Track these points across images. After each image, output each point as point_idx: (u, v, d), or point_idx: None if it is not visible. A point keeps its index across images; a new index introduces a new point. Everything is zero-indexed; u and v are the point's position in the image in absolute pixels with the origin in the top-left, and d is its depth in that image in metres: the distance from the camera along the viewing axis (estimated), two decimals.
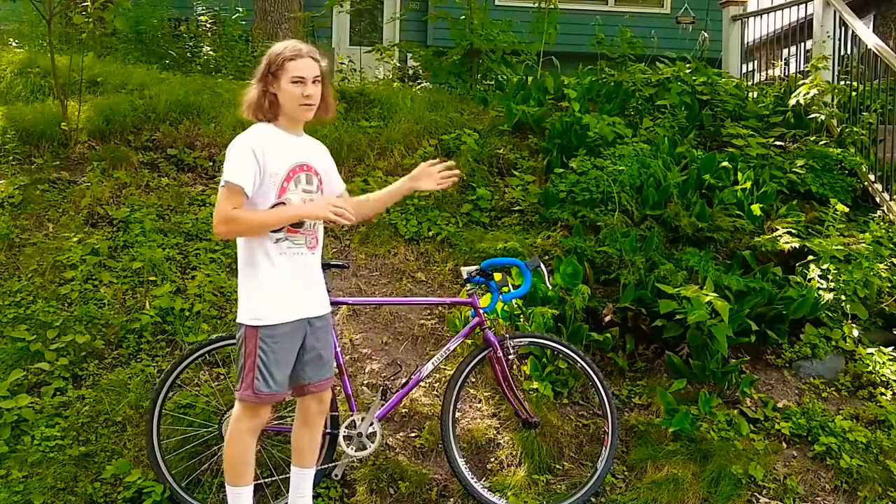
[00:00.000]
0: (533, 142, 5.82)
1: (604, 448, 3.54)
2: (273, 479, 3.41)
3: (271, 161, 2.77)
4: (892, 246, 4.78)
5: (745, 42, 7.95)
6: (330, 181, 3.08)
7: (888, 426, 3.96)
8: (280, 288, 2.81)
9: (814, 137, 5.85)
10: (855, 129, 5.71)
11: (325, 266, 3.27)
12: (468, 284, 3.58)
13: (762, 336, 4.27)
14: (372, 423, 3.42)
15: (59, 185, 4.96)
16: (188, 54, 7.91)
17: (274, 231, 2.80)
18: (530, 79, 6.74)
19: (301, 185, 2.87)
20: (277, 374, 2.82)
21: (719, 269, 4.46)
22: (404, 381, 3.66)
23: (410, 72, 8.44)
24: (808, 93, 5.90)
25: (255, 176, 2.74)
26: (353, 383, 3.88)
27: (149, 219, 4.68)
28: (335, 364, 3.42)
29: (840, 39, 6.35)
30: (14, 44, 7.40)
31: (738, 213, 4.96)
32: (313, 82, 2.82)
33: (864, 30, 6.11)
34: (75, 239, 4.51)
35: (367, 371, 4.01)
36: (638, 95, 6.15)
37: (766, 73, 8.04)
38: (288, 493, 3.24)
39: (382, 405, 3.47)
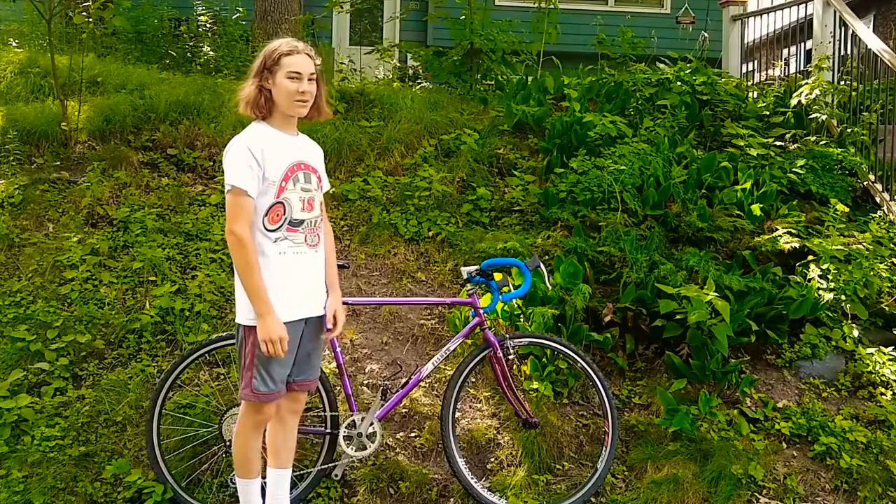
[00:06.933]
0: (533, 142, 5.82)
1: (604, 448, 3.54)
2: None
3: (269, 159, 2.77)
4: (892, 246, 4.78)
5: (745, 42, 7.95)
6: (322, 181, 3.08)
7: (888, 426, 3.95)
8: (278, 288, 2.78)
9: (814, 137, 5.84)
10: (855, 129, 5.71)
11: None
12: (468, 284, 3.58)
13: (762, 336, 4.27)
14: (372, 423, 3.42)
15: (59, 185, 4.96)
16: (188, 54, 7.92)
17: (272, 231, 2.79)
18: (530, 79, 6.74)
19: (300, 184, 2.86)
20: (276, 373, 2.84)
21: (719, 269, 4.46)
22: (404, 381, 3.65)
23: (410, 72, 8.43)
24: (810, 93, 5.90)
25: (258, 177, 2.75)
26: (353, 383, 3.88)
27: (149, 219, 4.68)
28: (336, 364, 3.44)
29: (840, 40, 6.35)
30: (14, 44, 7.40)
31: (739, 213, 4.96)
32: (309, 79, 2.82)
33: (865, 30, 6.11)
34: (75, 239, 4.50)
35: (367, 371, 4.01)
36: (638, 95, 6.15)
37: (766, 73, 8.04)
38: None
39: (382, 405, 3.47)
